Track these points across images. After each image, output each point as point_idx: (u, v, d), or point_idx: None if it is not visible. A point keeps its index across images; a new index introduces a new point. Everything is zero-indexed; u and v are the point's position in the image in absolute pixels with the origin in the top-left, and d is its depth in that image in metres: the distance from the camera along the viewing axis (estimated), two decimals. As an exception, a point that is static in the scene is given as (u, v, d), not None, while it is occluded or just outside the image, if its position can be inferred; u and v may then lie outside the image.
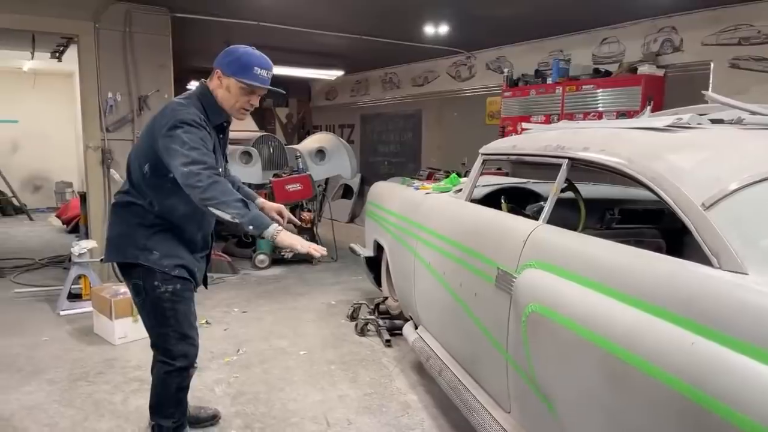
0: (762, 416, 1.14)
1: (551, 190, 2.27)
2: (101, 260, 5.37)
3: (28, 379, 3.37)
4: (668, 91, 5.48)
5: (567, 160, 2.23)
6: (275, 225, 2.16)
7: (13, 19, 4.95)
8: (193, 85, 10.30)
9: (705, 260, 1.48)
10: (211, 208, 2.11)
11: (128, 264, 2.37)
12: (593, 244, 1.85)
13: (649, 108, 2.89)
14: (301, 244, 2.20)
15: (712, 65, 5.10)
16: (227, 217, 2.10)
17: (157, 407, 2.50)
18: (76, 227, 7.85)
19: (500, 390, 2.31)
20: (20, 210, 10.27)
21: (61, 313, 4.62)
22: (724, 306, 1.32)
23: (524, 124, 3.17)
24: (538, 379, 1.92)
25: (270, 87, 2.37)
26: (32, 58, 7.35)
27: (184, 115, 2.21)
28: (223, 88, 2.33)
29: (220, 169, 2.35)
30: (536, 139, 2.65)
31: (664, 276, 1.50)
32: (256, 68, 2.29)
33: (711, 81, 5.13)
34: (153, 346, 2.50)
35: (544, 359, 1.89)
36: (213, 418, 2.90)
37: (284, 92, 2.53)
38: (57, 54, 6.89)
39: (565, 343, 1.74)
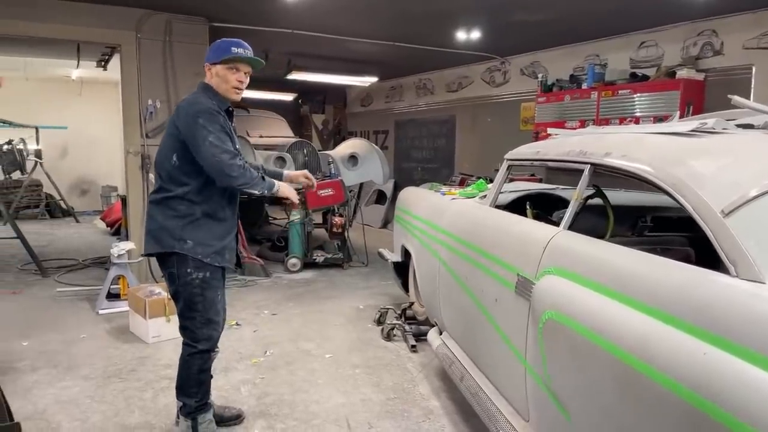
0: (773, 430, 1.10)
1: (573, 196, 2.24)
2: (141, 256, 5.60)
3: (64, 375, 3.51)
4: (708, 95, 5.32)
5: (589, 166, 2.20)
6: (276, 184, 2.64)
7: (58, 29, 5.20)
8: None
9: (721, 268, 1.44)
10: (244, 189, 2.52)
11: (165, 254, 2.57)
12: (610, 251, 1.82)
13: (677, 113, 2.81)
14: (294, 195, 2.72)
15: (753, 69, 4.94)
16: (256, 192, 2.56)
17: (181, 387, 2.67)
18: (120, 229, 8.14)
19: (519, 398, 2.28)
20: (67, 213, 10.70)
21: (100, 312, 4.79)
22: (739, 316, 1.28)
23: (550, 130, 3.13)
24: (554, 387, 1.89)
25: (250, 57, 2.60)
26: (77, 66, 7.66)
27: (201, 105, 2.48)
28: (215, 76, 2.57)
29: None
30: (559, 144, 2.61)
31: (678, 284, 1.47)
32: (232, 48, 2.54)
33: (753, 85, 4.97)
34: (181, 328, 2.68)
35: (559, 367, 1.86)
36: (237, 418, 2.96)
37: (264, 62, 2.72)
38: (102, 63, 7.17)
39: (579, 351, 1.72)
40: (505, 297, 2.37)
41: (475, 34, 6.44)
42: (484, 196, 3.31)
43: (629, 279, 1.63)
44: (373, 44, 6.90)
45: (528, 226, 2.49)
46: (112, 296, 4.97)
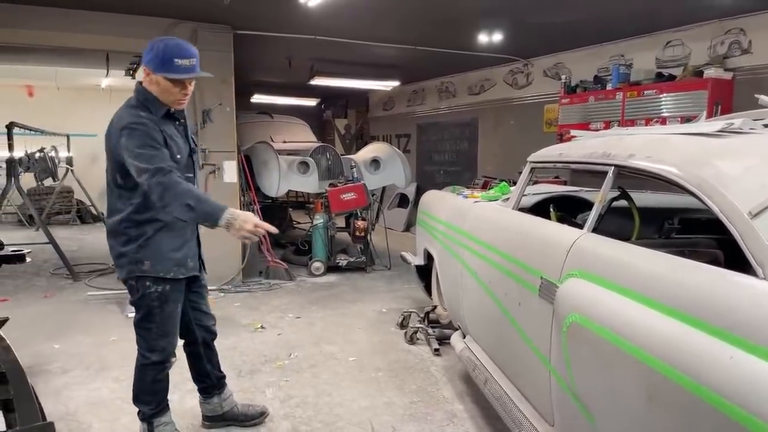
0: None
1: (597, 198, 2.22)
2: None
3: (95, 377, 3.59)
4: (737, 95, 5.22)
5: (613, 167, 2.18)
6: (227, 213, 2.23)
7: (89, 39, 5.34)
8: (256, 98, 10.71)
9: (749, 270, 1.42)
10: (171, 213, 2.30)
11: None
12: (635, 253, 1.80)
13: (704, 113, 2.76)
14: (255, 225, 2.28)
15: (784, 67, 4.83)
16: (184, 218, 2.30)
17: (136, 395, 2.66)
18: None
19: (544, 402, 2.27)
20: (98, 218, 10.92)
21: (129, 315, 4.87)
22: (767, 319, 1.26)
23: (573, 131, 3.11)
24: (579, 391, 1.88)
25: (194, 75, 2.43)
26: (107, 75, 7.84)
27: (124, 120, 2.34)
28: (154, 84, 2.39)
29: (178, 156, 2.44)
30: (582, 146, 2.59)
31: (704, 286, 1.45)
32: (176, 60, 2.34)
33: (783, 84, 4.85)
34: (137, 336, 2.63)
35: (583, 371, 1.84)
36: (261, 415, 3.00)
37: (211, 75, 2.62)
38: (131, 72, 7.33)
39: (604, 355, 1.70)
40: (529, 300, 2.36)
41: (497, 37, 6.43)
42: (507, 199, 3.30)
43: (654, 282, 1.61)
44: (395, 48, 6.93)
45: (551, 229, 2.48)
46: (141, 300, 5.06)
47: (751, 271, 1.41)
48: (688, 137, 1.96)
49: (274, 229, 2.38)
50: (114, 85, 10.05)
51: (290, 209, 9.18)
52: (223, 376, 2.99)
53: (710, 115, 5.15)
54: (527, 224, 2.68)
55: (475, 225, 3.28)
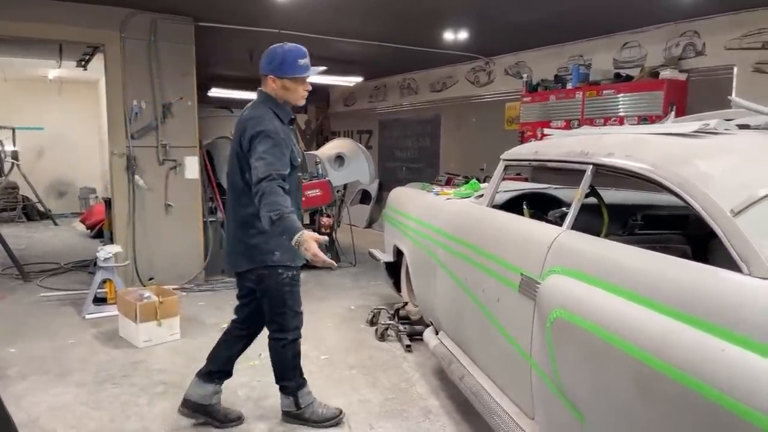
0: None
1: (575, 196, 2.27)
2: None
3: (56, 382, 3.44)
4: (691, 95, 5.43)
5: (591, 166, 2.23)
6: (298, 234, 2.37)
7: (42, 28, 5.09)
8: (214, 92, 10.46)
9: (734, 266, 1.47)
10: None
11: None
12: (620, 250, 1.85)
13: (672, 113, 2.87)
14: (315, 252, 2.38)
15: (735, 69, 5.05)
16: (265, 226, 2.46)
17: (281, 374, 2.95)
18: (100, 232, 8.00)
19: (524, 396, 2.31)
20: (45, 215, 10.48)
21: (87, 316, 4.70)
22: (756, 313, 1.31)
23: (546, 130, 3.17)
24: (564, 385, 1.92)
25: (317, 71, 2.76)
26: (59, 66, 7.51)
27: (261, 126, 2.57)
28: (281, 88, 2.69)
29: (299, 159, 2.77)
30: (559, 144, 2.65)
31: (693, 282, 1.50)
32: (299, 60, 2.66)
33: (734, 85, 5.08)
34: (269, 323, 2.91)
35: (570, 365, 1.88)
36: (238, 419, 2.99)
37: (326, 68, 2.87)
38: (83, 63, 7.05)
39: (591, 350, 1.74)
40: (508, 296, 2.39)
41: (460, 34, 6.48)
42: (480, 196, 3.34)
43: (642, 278, 1.66)
44: (359, 44, 6.90)
45: (530, 226, 2.52)
46: (99, 300, 4.89)
47: (735, 267, 1.47)
48: (665, 137, 2.03)
49: (331, 263, 2.45)
50: (64, 77, 9.63)
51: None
52: (231, 374, 3.10)
53: (665, 115, 5.35)
54: (505, 221, 2.71)
55: (449, 222, 3.30)
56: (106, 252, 4.83)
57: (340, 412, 2.99)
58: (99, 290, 4.87)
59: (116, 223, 5.59)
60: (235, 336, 3.03)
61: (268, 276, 2.73)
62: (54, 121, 10.85)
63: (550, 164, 2.64)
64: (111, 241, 5.79)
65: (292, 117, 2.83)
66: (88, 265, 6.37)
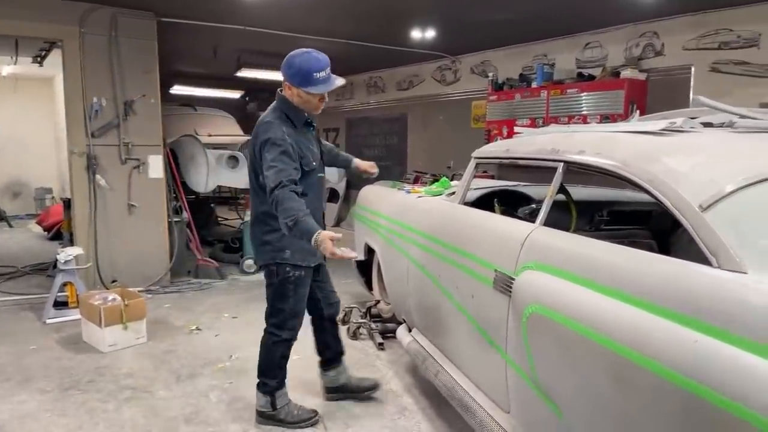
0: (764, 408, 1.18)
1: (547, 193, 2.31)
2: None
3: (19, 389, 3.32)
4: (650, 94, 5.59)
5: (562, 164, 2.27)
6: (316, 235, 2.41)
7: (-3, 23, 4.89)
8: (176, 89, 10.24)
9: (702, 260, 1.53)
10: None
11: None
12: (594, 245, 1.89)
13: (637, 112, 2.95)
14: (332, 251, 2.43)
15: (693, 69, 5.22)
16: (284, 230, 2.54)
17: (264, 370, 2.95)
18: (58, 234, 7.74)
19: (499, 391, 2.34)
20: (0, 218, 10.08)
21: (48, 321, 4.55)
22: (726, 304, 1.36)
23: (516, 128, 3.22)
24: (540, 380, 1.95)
25: (332, 88, 2.70)
26: (15, 63, 7.23)
27: (268, 134, 2.63)
28: (296, 96, 2.70)
29: (314, 163, 2.78)
30: (530, 142, 2.69)
31: (665, 276, 1.54)
32: (315, 74, 2.62)
33: (692, 85, 5.25)
34: (267, 317, 2.93)
35: (546, 359, 1.92)
36: (374, 387, 3.23)
37: (344, 81, 2.79)
38: (39, 59, 6.80)
39: (567, 343, 1.78)
40: (483, 293, 2.42)
41: (426, 33, 6.51)
42: (451, 194, 3.36)
43: (616, 272, 1.70)
44: (326, 42, 6.85)
45: (503, 223, 2.55)
46: (59, 304, 4.73)
47: (705, 261, 1.52)
48: (634, 135, 2.08)
49: (351, 255, 2.50)
50: (19, 73, 9.26)
51: (212, 205, 8.85)
52: (343, 352, 3.25)
53: (626, 114, 5.50)
54: (478, 219, 2.74)
55: (422, 220, 3.31)
56: (66, 254, 4.68)
57: (316, 413, 2.99)
58: (59, 294, 4.72)
59: (77, 225, 5.42)
60: (316, 328, 3.18)
61: (276, 272, 2.81)
62: (7, 120, 10.43)
63: (521, 162, 2.68)
64: (71, 242, 5.61)
65: (308, 120, 2.82)
66: (47, 268, 6.16)
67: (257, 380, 2.97)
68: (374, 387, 3.22)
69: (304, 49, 2.68)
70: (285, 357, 2.94)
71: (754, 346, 1.25)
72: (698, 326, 1.38)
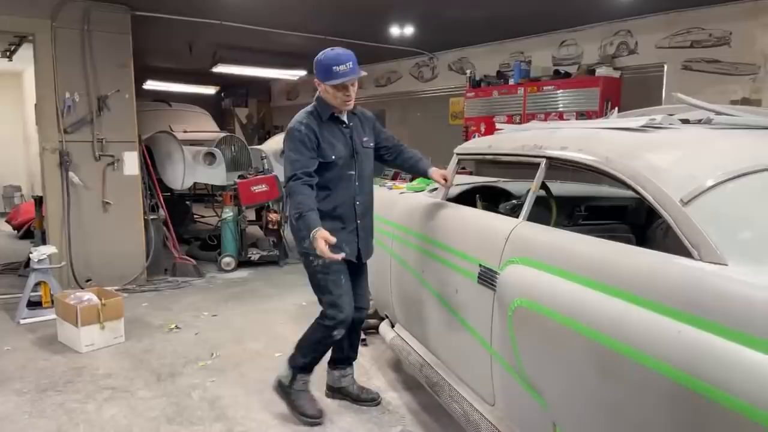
0: (746, 394, 1.23)
1: (531, 188, 2.34)
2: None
3: (-6, 391, 3.24)
4: (624, 92, 5.71)
5: (545, 160, 2.31)
6: (312, 232, 2.54)
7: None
8: (150, 84, 10.07)
9: (684, 252, 1.57)
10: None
11: None
12: (578, 239, 1.93)
13: (616, 109, 3.01)
14: (322, 251, 2.52)
15: (665, 67, 5.35)
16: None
17: (300, 343, 3.00)
18: (28, 232, 7.56)
19: (484, 384, 2.37)
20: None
21: (21, 321, 4.45)
22: (708, 295, 1.41)
23: (498, 125, 3.25)
24: (526, 372, 1.98)
25: (350, 78, 2.72)
26: (-17, 57, 7.02)
27: (291, 124, 2.80)
28: (324, 92, 2.79)
29: (333, 157, 2.79)
30: (512, 139, 2.72)
31: (649, 268, 1.59)
32: (334, 67, 2.67)
33: (665, 82, 5.38)
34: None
35: (531, 352, 1.95)
36: (373, 401, 3.14)
37: (365, 74, 2.87)
38: (8, 53, 6.61)
39: (553, 336, 1.81)
40: (467, 287, 2.45)
41: (405, 29, 6.53)
42: (434, 190, 3.39)
43: (600, 265, 1.74)
44: (304, 37, 6.82)
45: (487, 218, 2.58)
46: (33, 304, 4.63)
47: (686, 253, 1.56)
48: (615, 132, 2.12)
49: (337, 257, 2.58)
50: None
51: (188, 202, 8.73)
52: (353, 358, 3.23)
53: (602, 111, 5.60)
54: (461, 214, 2.76)
55: (404, 216, 3.33)
56: (39, 253, 4.57)
57: (320, 416, 2.93)
58: (33, 293, 4.62)
59: (49, 223, 5.29)
60: None
61: (304, 261, 2.90)
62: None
63: (503, 158, 2.71)
64: (43, 241, 5.49)
65: (333, 113, 2.83)
66: (18, 268, 6.02)
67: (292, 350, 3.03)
68: (374, 400, 3.16)
69: (331, 48, 2.76)
70: (321, 342, 2.93)
71: (736, 335, 1.30)
72: (681, 317, 1.42)
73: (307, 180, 2.67)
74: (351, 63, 2.70)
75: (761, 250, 1.49)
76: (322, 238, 2.50)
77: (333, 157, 2.79)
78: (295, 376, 2.96)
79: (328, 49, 2.76)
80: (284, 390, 2.98)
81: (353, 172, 2.89)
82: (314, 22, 6.25)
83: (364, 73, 2.80)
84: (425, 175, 3.08)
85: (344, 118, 2.88)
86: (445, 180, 2.97)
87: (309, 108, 2.86)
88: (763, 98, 4.66)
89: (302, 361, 2.96)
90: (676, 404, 1.39)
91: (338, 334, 2.88)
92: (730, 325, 1.32)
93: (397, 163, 3.19)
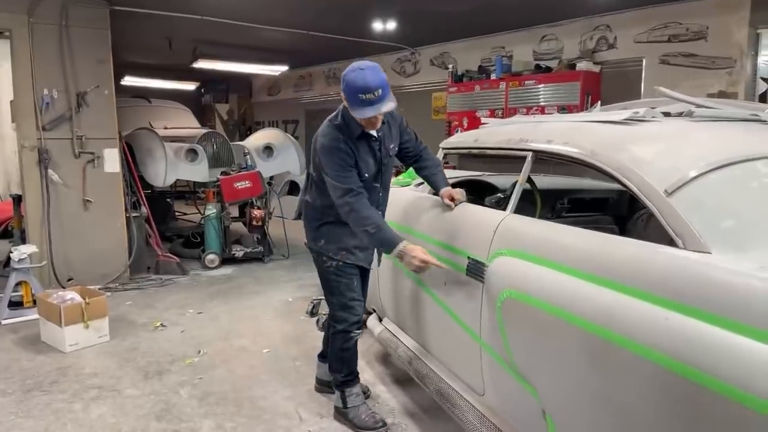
0: (732, 378, 1.27)
1: (518, 181, 2.38)
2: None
3: (-23, 393, 3.20)
4: (604, 86, 5.79)
5: (531, 153, 2.35)
6: (401, 245, 2.46)
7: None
8: (128, 80, 9.93)
9: (669, 242, 1.62)
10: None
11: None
12: (566, 231, 1.96)
13: (599, 103, 3.07)
14: (422, 261, 2.43)
15: (644, 61, 5.44)
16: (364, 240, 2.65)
17: (330, 363, 2.99)
18: (6, 232, 7.41)
19: (473, 374, 2.40)
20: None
21: (3, 322, 4.38)
22: (693, 283, 1.45)
23: (483, 119, 3.28)
24: (516, 362, 2.02)
25: (374, 114, 2.45)
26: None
27: (325, 140, 2.61)
28: (348, 110, 2.55)
29: (366, 175, 2.66)
30: (498, 132, 2.76)
31: (636, 258, 1.63)
32: (360, 95, 2.40)
33: (643, 76, 5.47)
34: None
35: (521, 342, 1.99)
36: (365, 393, 3.07)
37: (395, 105, 2.52)
38: (-20, 49, 6.46)
39: (543, 326, 1.85)
40: (455, 279, 2.48)
41: (387, 24, 6.53)
42: (419, 184, 3.41)
43: (588, 256, 1.78)
44: (285, 33, 6.79)
45: (474, 211, 2.60)
46: (14, 304, 4.57)
47: (671, 243, 1.61)
48: (600, 125, 2.17)
49: (440, 264, 2.43)
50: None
51: (169, 200, 8.64)
52: None
53: (582, 105, 5.68)
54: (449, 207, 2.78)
55: (391, 210, 3.33)
56: (20, 252, 4.50)
57: (384, 424, 2.85)
58: (13, 294, 4.55)
59: (29, 222, 5.21)
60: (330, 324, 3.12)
61: (317, 260, 2.87)
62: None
63: (489, 152, 2.74)
64: (22, 240, 5.39)
65: (362, 132, 2.62)
66: (-2, 268, 5.91)
67: None
68: (364, 393, 3.08)
69: (363, 65, 2.45)
70: (344, 349, 2.86)
71: (721, 321, 1.34)
72: (668, 304, 1.46)
73: (364, 194, 2.56)
74: (380, 90, 2.39)
75: (743, 238, 1.54)
76: (417, 251, 2.42)
77: (366, 175, 2.67)
78: (344, 394, 2.89)
79: (358, 66, 2.44)
80: (342, 414, 2.90)
81: (378, 185, 2.78)
82: (296, 17, 6.22)
83: (393, 105, 2.47)
84: (437, 192, 2.84)
85: (374, 131, 2.68)
86: (453, 200, 2.70)
87: (338, 122, 2.62)
88: (739, 91, 4.77)
89: (341, 377, 2.90)
90: (664, 389, 1.43)
91: (356, 334, 2.87)
92: (714, 311, 1.36)
93: (414, 168, 3.01)
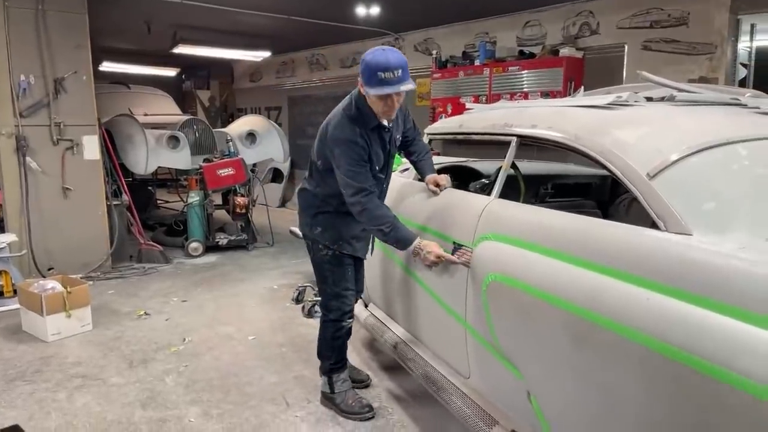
0: (712, 356, 1.30)
1: (502, 166, 2.39)
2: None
3: (-42, 384, 3.15)
4: (587, 71, 5.81)
5: (516, 138, 2.36)
6: (416, 242, 2.43)
7: None
8: (105, 66, 9.74)
9: (651, 224, 1.64)
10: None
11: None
12: (550, 215, 1.98)
13: (582, 88, 3.08)
14: (437, 257, 2.37)
15: (626, 47, 5.46)
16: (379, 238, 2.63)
17: (319, 350, 2.96)
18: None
19: (459, 357, 2.43)
20: None
21: (-15, 315, 4.32)
22: (674, 264, 1.48)
23: (468, 104, 3.28)
24: (501, 344, 2.04)
25: (394, 90, 2.37)
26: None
27: (342, 134, 2.50)
28: (366, 96, 2.47)
29: (377, 168, 2.61)
30: (483, 118, 2.76)
31: (619, 240, 1.65)
32: (380, 73, 2.33)
33: (625, 62, 5.50)
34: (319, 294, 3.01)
35: (506, 325, 2.01)
36: (361, 382, 3.14)
37: (414, 87, 2.49)
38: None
39: (527, 308, 1.87)
40: (441, 264, 2.49)
41: (374, 10, 6.47)
42: (405, 170, 3.41)
43: (571, 238, 1.80)
44: (267, 17, 6.69)
45: (460, 197, 2.62)
46: (-7, 294, 4.50)
47: (653, 225, 1.63)
48: (583, 110, 2.18)
49: (455, 260, 2.34)
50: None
51: (150, 188, 8.55)
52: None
53: (565, 91, 5.70)
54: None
55: (375, 196, 3.34)
56: (-1, 242, 4.43)
57: (370, 408, 2.85)
58: (-7, 283, 4.49)
59: (7, 211, 5.11)
60: None
61: (312, 248, 2.84)
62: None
63: (474, 137, 2.75)
64: (1, 229, 5.30)
65: (378, 124, 2.55)
66: (-25, 258, 5.80)
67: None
68: (364, 381, 3.16)
69: (384, 47, 2.42)
70: (336, 338, 2.87)
71: (702, 300, 1.37)
72: (649, 285, 1.49)
73: (375, 192, 2.52)
74: (400, 71, 2.34)
75: (723, 220, 1.57)
76: (432, 246, 2.38)
77: (377, 167, 2.62)
78: (331, 380, 2.90)
79: (379, 48, 2.41)
80: (329, 399, 2.91)
81: (383, 176, 2.73)
82: (278, 1, 6.14)
83: (412, 86, 2.42)
84: (423, 179, 2.88)
85: (386, 121, 2.60)
86: (438, 186, 2.71)
87: (352, 112, 2.52)
88: (720, 77, 4.82)
89: (328, 363, 2.91)
90: (646, 369, 1.46)
91: (348, 323, 2.88)
92: (696, 291, 1.39)
93: (405, 153, 2.99)
